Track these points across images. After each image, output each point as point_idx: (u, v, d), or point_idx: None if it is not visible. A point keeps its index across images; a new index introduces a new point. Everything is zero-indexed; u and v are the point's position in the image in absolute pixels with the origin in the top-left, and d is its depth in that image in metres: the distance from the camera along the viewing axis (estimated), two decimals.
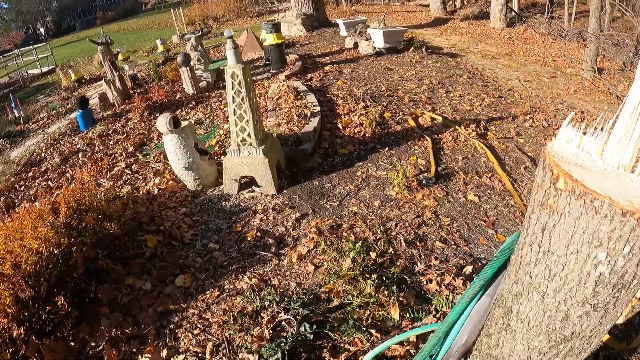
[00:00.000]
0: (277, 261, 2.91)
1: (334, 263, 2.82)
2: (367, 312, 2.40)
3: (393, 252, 2.98)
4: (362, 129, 4.63)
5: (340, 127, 4.70)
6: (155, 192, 3.97)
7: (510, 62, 7.97)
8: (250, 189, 3.76)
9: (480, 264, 2.97)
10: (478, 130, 4.81)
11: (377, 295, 2.49)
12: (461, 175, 3.96)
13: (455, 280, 2.70)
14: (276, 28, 6.62)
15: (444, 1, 15.12)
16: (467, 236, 3.24)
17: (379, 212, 3.45)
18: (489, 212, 3.54)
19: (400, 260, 2.90)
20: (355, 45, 7.81)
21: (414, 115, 5.01)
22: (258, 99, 5.66)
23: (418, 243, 3.10)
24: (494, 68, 7.47)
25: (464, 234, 3.26)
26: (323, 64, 6.94)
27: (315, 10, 10.26)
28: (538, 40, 9.85)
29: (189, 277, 2.79)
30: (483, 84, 6.35)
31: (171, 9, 16.36)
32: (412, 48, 7.68)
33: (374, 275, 2.61)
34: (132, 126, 5.97)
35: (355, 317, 2.36)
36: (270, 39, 6.65)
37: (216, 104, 6.02)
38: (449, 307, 2.48)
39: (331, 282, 2.65)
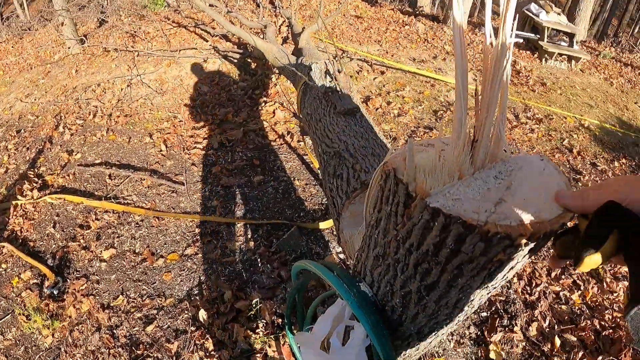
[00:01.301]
0: None
1: None
2: None
3: None
4: None
5: None
6: None
7: None
8: None
9: (191, 297, 2.45)
10: (34, 185, 3.61)
11: None
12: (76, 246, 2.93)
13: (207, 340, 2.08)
14: None
15: None
16: (151, 292, 2.53)
17: None
18: (138, 249, 2.85)
19: None
20: None
21: None
22: None
23: None
24: None
25: (149, 293, 2.51)
26: None
27: None
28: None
29: None
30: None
31: None
32: None
33: None
34: None
35: None
36: None
37: None
38: None
39: None
